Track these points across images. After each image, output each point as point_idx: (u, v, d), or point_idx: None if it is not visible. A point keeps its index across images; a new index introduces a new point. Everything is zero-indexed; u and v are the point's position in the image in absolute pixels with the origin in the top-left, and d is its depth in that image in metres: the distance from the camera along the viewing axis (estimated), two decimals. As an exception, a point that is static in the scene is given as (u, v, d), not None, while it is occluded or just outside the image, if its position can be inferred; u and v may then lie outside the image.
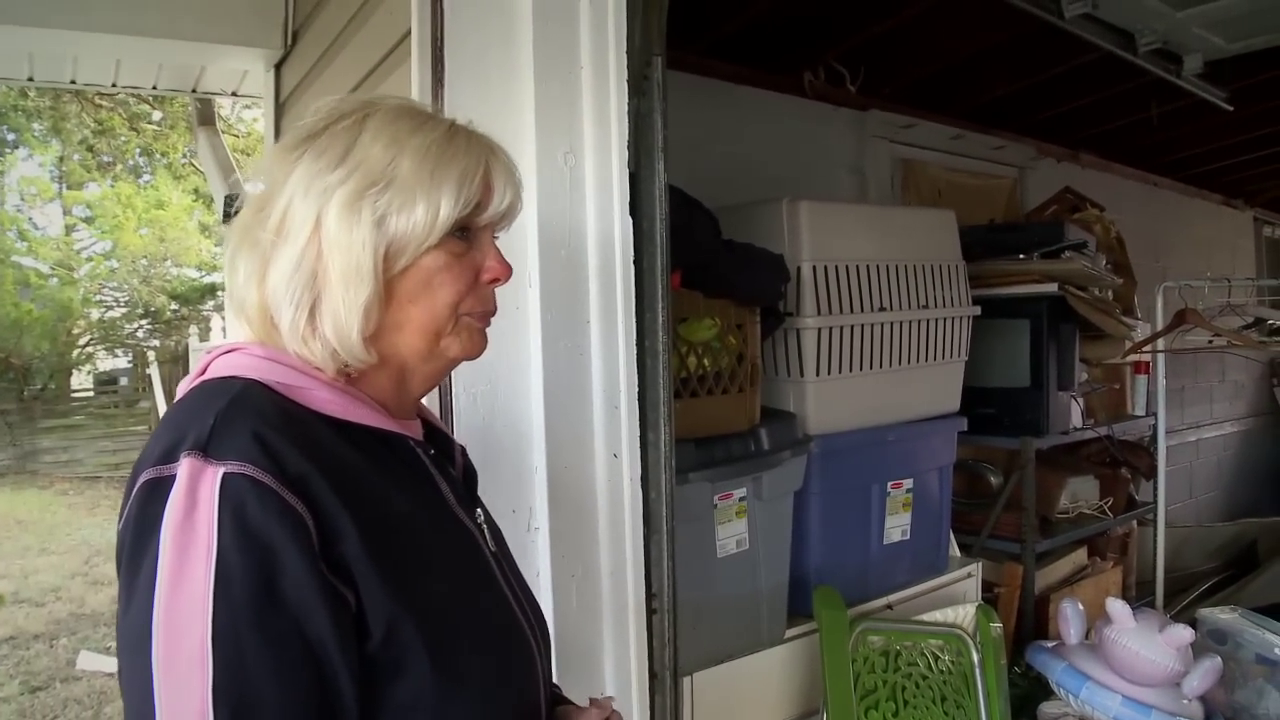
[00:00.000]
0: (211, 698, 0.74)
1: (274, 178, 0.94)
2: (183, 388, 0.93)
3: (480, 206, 0.97)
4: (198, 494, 0.78)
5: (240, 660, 0.75)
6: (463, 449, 1.13)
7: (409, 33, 1.78)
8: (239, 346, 0.94)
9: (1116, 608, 2.64)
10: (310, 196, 0.91)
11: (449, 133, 0.97)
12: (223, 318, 13.08)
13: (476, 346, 1.01)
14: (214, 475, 0.78)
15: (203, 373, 0.93)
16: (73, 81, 3.64)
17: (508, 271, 1.01)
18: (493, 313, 1.02)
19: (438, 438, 1.09)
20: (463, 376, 1.57)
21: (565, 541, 1.64)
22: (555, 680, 1.18)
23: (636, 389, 1.69)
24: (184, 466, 0.79)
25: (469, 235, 0.98)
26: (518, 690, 0.98)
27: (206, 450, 0.80)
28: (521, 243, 1.61)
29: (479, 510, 1.07)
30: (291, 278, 0.91)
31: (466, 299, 0.98)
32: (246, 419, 0.83)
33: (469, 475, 1.13)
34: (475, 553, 1.00)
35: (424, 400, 1.12)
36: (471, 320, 0.99)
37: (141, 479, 0.81)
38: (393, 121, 0.95)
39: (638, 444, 1.70)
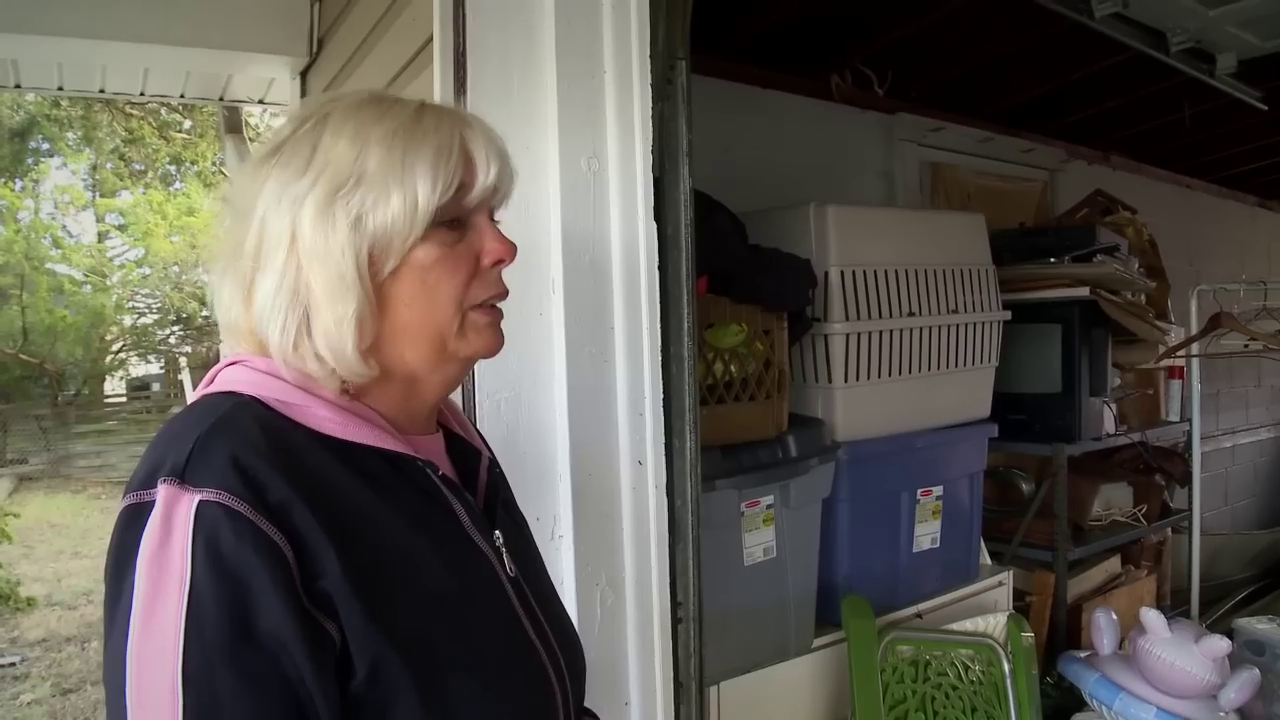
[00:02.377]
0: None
1: (245, 197, 0.88)
2: (191, 400, 0.90)
3: (465, 187, 0.89)
4: (173, 522, 0.74)
5: (214, 701, 0.71)
6: (490, 460, 1.04)
7: (431, 38, 1.78)
8: (241, 359, 0.90)
9: (1151, 617, 2.60)
10: (282, 209, 0.85)
11: (416, 114, 0.89)
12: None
13: (489, 343, 0.93)
14: (189, 503, 0.74)
15: (210, 384, 0.90)
16: (101, 91, 3.67)
17: (511, 250, 0.92)
18: (503, 297, 0.94)
19: (461, 450, 1.02)
20: (486, 383, 1.56)
21: (590, 549, 1.63)
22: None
23: (661, 395, 1.68)
24: (161, 493, 0.75)
25: (461, 222, 0.90)
26: None
27: (184, 476, 0.76)
28: (545, 248, 1.60)
29: (497, 533, 0.96)
30: (275, 298, 0.85)
31: (470, 290, 0.90)
32: (227, 443, 0.78)
33: (493, 490, 1.02)
34: (486, 582, 0.92)
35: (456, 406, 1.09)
36: (479, 315, 0.91)
37: (123, 504, 0.78)
38: (354, 114, 0.88)
39: (663, 451, 1.69)
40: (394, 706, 0.79)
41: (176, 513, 0.74)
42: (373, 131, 0.87)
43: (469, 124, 0.92)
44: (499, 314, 0.94)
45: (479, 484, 1.01)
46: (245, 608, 0.73)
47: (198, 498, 0.74)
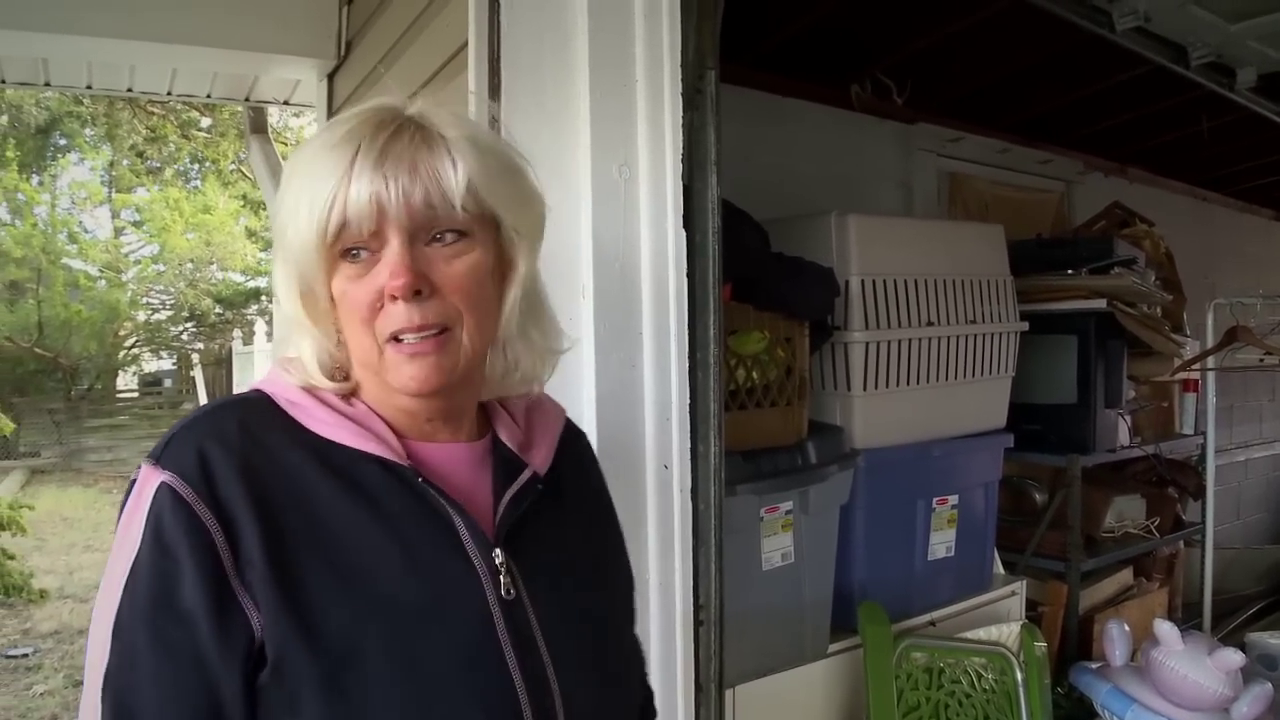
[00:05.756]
0: (102, 683, 0.80)
1: None
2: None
3: (348, 220, 0.84)
4: (141, 496, 0.82)
5: (131, 656, 0.79)
6: (534, 477, 0.98)
7: (465, 44, 1.80)
8: (280, 359, 0.95)
9: (1164, 629, 2.61)
10: None
11: (335, 137, 0.86)
12: (266, 322, 13.24)
13: (407, 380, 0.87)
14: (154, 483, 0.82)
15: (257, 380, 0.96)
16: (129, 90, 3.71)
17: (400, 279, 0.84)
18: (413, 330, 0.86)
19: (505, 461, 0.98)
20: (515, 387, 1.58)
21: (614, 551, 1.65)
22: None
23: (688, 401, 1.69)
24: (140, 471, 0.84)
25: (370, 251, 0.86)
26: None
27: (158, 459, 0.83)
28: (575, 255, 1.62)
29: (497, 551, 0.90)
30: (278, 318, 0.93)
31: (377, 324, 0.86)
32: (198, 433, 0.85)
33: (525, 507, 0.96)
34: (462, 596, 0.88)
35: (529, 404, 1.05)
36: (392, 350, 0.87)
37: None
38: (312, 139, 0.89)
39: (689, 455, 1.70)
40: (299, 703, 0.81)
41: (144, 490, 0.82)
42: (294, 162, 0.89)
43: (369, 142, 0.85)
44: (425, 347, 0.87)
45: (505, 498, 0.94)
46: (171, 580, 0.79)
47: (160, 479, 0.82)
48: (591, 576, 1.02)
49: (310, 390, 0.91)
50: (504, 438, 0.99)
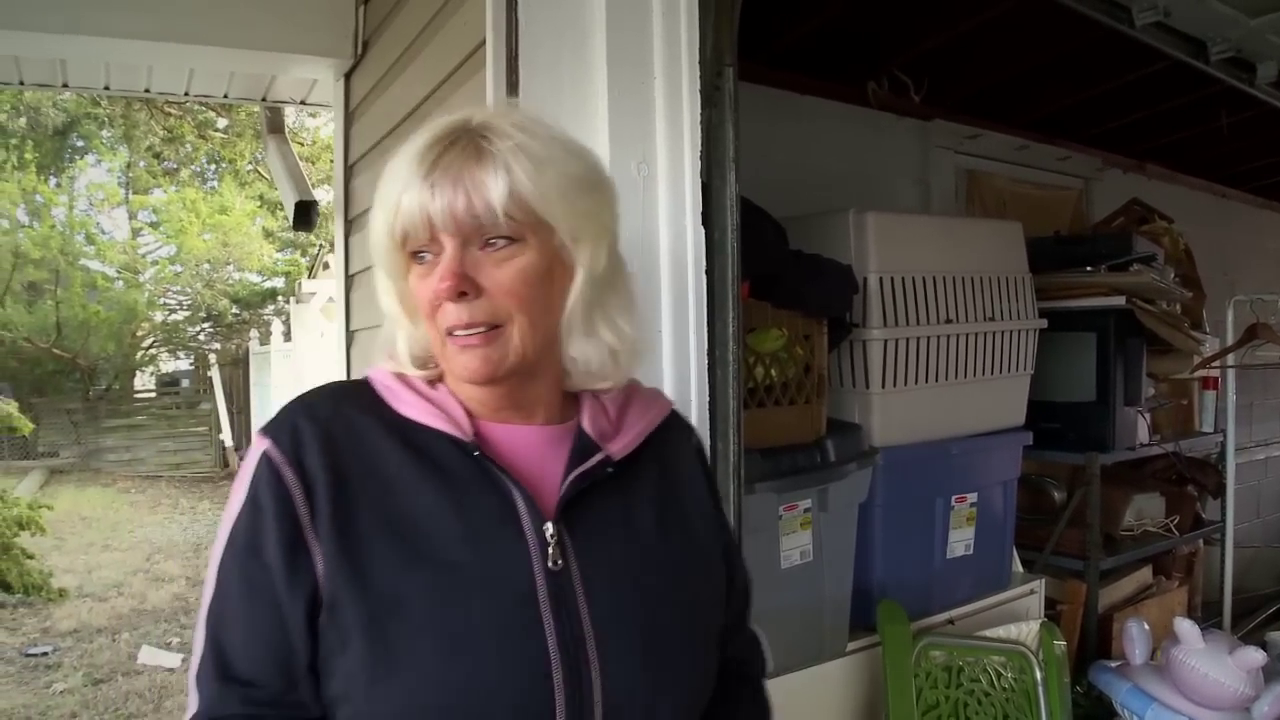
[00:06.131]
0: (205, 614, 0.95)
1: None
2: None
3: (408, 233, 0.95)
4: (248, 460, 0.96)
5: (225, 593, 0.94)
6: (604, 460, 1.02)
7: (483, 43, 1.80)
8: (386, 349, 1.06)
9: (1185, 628, 2.60)
10: None
11: (409, 150, 0.96)
12: (283, 322, 13.30)
13: (463, 369, 0.97)
14: (259, 449, 0.95)
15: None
16: (147, 90, 3.72)
17: (444, 283, 0.93)
18: (461, 328, 0.95)
19: (581, 444, 1.03)
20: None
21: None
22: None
23: (707, 399, 1.69)
24: (255, 438, 0.97)
25: (431, 255, 0.96)
26: (483, 714, 0.91)
27: (265, 429, 0.97)
28: (594, 252, 1.62)
29: (549, 525, 0.96)
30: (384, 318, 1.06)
31: (437, 319, 0.96)
32: (297, 410, 0.99)
33: (591, 487, 1.01)
34: (507, 564, 0.95)
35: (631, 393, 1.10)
36: (450, 343, 0.96)
37: None
38: (403, 147, 0.98)
39: (708, 453, 1.70)
40: (348, 645, 0.91)
41: (251, 455, 0.96)
42: (385, 167, 0.99)
43: (424, 155, 0.94)
44: (475, 341, 0.95)
45: (570, 477, 1.00)
46: (259, 532, 0.92)
47: (263, 446, 0.95)
48: (660, 560, 1.05)
49: (401, 376, 1.03)
50: (586, 424, 1.05)
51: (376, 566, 0.92)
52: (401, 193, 0.94)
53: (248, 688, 0.92)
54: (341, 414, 0.99)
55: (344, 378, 3.14)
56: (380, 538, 0.93)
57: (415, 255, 0.96)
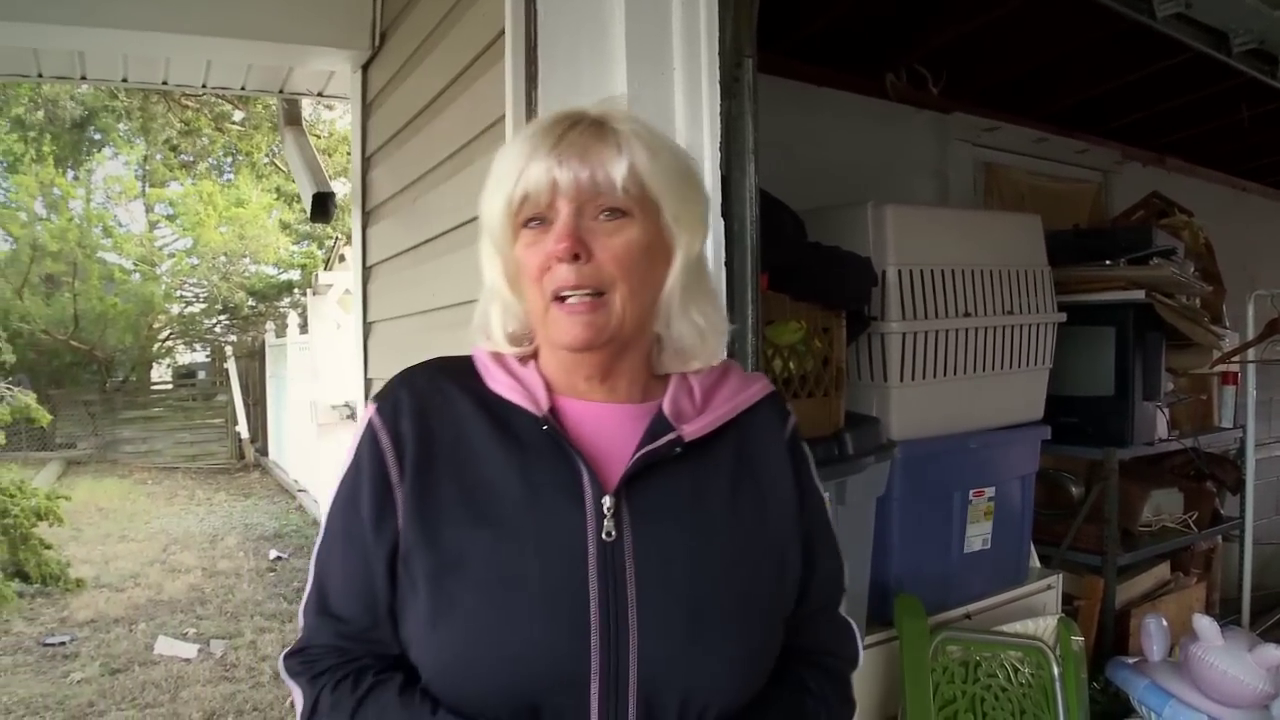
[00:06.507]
0: (315, 554, 1.10)
1: None
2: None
3: (528, 195, 1.02)
4: (361, 424, 1.09)
5: (329, 540, 1.08)
6: (676, 440, 1.05)
7: (501, 34, 1.80)
8: (484, 329, 1.14)
9: (1204, 625, 2.58)
10: None
11: (528, 132, 1.05)
12: (299, 314, 13.34)
13: (562, 335, 1.03)
14: (368, 415, 1.08)
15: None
16: (164, 83, 3.73)
17: (562, 243, 1.00)
18: (568, 288, 1.01)
19: (655, 423, 1.06)
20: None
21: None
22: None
23: (725, 391, 1.68)
24: (367, 404, 1.10)
25: (544, 220, 1.02)
26: (526, 674, 0.97)
27: (377, 397, 1.10)
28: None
29: (607, 498, 1.02)
30: (481, 303, 1.14)
31: (543, 284, 1.02)
32: (400, 381, 1.10)
33: (656, 465, 1.04)
34: (562, 532, 1.01)
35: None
36: (555, 308, 1.02)
37: None
38: (513, 137, 1.08)
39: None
40: (416, 594, 1.01)
41: (362, 419, 1.09)
42: (496, 156, 1.08)
43: (548, 132, 1.03)
44: (580, 307, 1.01)
45: (638, 454, 1.04)
46: (358, 488, 1.05)
47: (370, 413, 1.08)
48: (721, 540, 1.07)
49: (497, 355, 1.11)
50: (666, 405, 1.09)
51: (446, 525, 1.02)
52: (526, 164, 1.01)
53: (339, 622, 1.06)
54: (439, 386, 1.09)
55: (358, 367, 3.16)
56: (453, 499, 1.03)
57: (528, 223, 1.03)
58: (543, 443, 1.04)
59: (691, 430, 1.07)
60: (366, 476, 1.05)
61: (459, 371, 1.11)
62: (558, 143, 1.01)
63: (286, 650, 1.10)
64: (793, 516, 1.14)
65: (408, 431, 1.05)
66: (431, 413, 1.07)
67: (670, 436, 1.06)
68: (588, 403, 1.09)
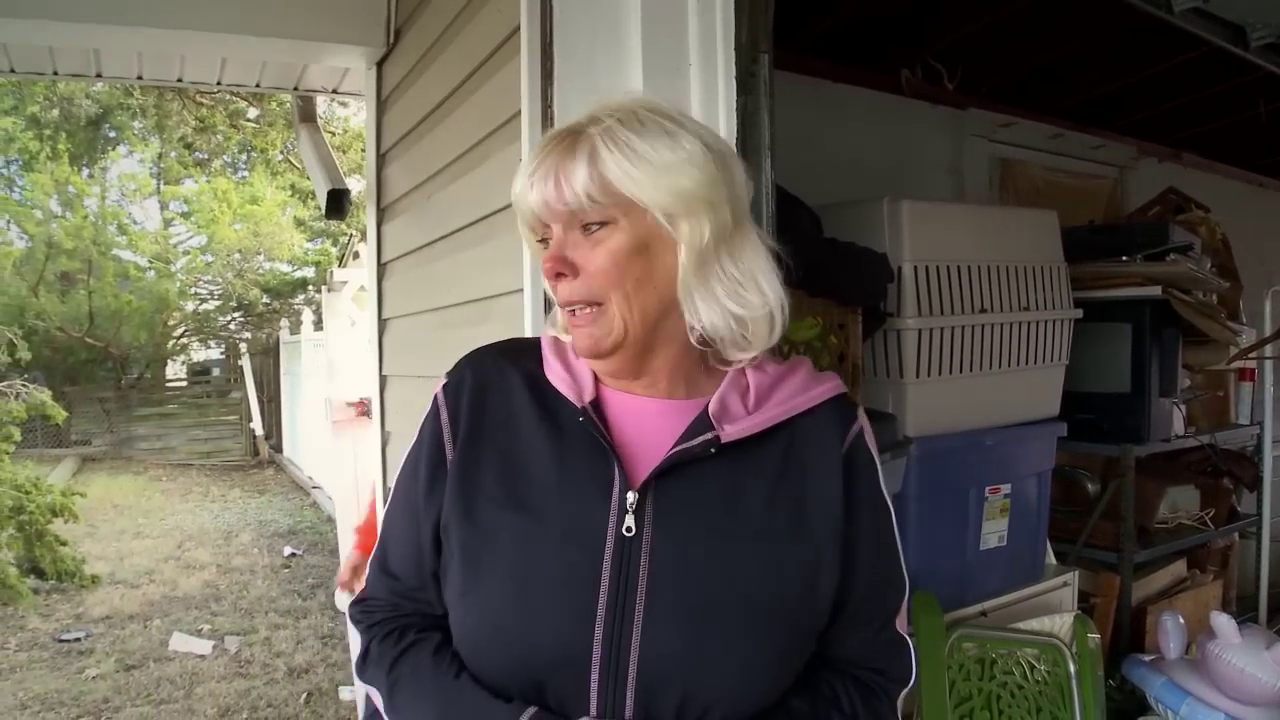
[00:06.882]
0: (384, 514, 1.19)
1: None
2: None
3: (529, 221, 1.10)
4: (431, 399, 1.16)
5: (394, 502, 1.17)
6: (713, 440, 1.04)
7: (517, 29, 1.80)
8: (552, 316, 1.20)
9: (1222, 622, 2.57)
10: None
11: (530, 154, 1.09)
12: (313, 311, 13.37)
13: (576, 343, 1.09)
14: (436, 390, 1.16)
15: None
16: (179, 80, 3.73)
17: (545, 264, 1.06)
18: (567, 304, 1.07)
19: (696, 421, 1.06)
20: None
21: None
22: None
23: (741, 387, 1.68)
24: (442, 377, 1.17)
25: (547, 241, 1.08)
26: (533, 654, 1.02)
27: (447, 374, 1.17)
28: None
29: (631, 493, 1.03)
30: None
31: (556, 296, 1.09)
32: (467, 361, 1.17)
33: (687, 463, 1.04)
34: (583, 520, 1.04)
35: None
36: (568, 318, 1.08)
37: None
38: None
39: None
40: (452, 563, 1.08)
41: (435, 393, 1.16)
42: None
43: (532, 155, 1.08)
44: (583, 319, 1.06)
45: (671, 451, 1.05)
46: (419, 459, 1.14)
47: (438, 388, 1.16)
48: (752, 542, 1.05)
49: (557, 343, 1.15)
50: (712, 403, 1.08)
51: (482, 501, 1.07)
52: (522, 190, 1.07)
53: (394, 580, 1.15)
54: (501, 368, 1.15)
55: (373, 364, 3.16)
56: (494, 477, 1.08)
57: (542, 243, 1.09)
58: (581, 434, 1.07)
59: (732, 431, 1.06)
60: (425, 449, 1.13)
61: (524, 354, 1.16)
62: (538, 167, 1.05)
63: (353, 597, 1.20)
64: (834, 524, 1.08)
65: (465, 409, 1.12)
66: (490, 392, 1.13)
67: (706, 436, 1.05)
68: (633, 396, 1.11)
